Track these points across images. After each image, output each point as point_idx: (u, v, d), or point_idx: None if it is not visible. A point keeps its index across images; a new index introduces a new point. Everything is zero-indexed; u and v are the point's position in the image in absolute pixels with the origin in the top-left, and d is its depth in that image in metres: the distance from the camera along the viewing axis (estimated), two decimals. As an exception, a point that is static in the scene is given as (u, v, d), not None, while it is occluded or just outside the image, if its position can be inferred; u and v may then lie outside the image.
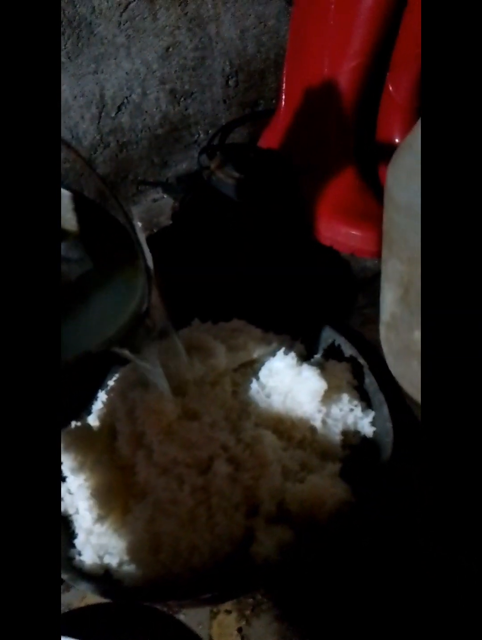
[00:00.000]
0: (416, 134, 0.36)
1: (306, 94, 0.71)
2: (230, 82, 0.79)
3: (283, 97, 0.76)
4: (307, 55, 0.69)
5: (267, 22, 0.77)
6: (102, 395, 0.56)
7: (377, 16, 0.59)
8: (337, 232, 0.66)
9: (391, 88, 0.66)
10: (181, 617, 0.45)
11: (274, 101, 0.82)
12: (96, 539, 0.44)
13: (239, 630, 0.44)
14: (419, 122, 0.37)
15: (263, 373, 0.50)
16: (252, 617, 0.44)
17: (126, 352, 0.33)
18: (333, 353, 0.55)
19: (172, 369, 0.46)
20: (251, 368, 0.53)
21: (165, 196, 0.79)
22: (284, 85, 0.75)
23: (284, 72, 0.74)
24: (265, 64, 0.81)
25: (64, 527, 0.46)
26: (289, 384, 0.48)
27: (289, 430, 0.47)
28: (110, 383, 0.56)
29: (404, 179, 0.36)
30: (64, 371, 0.28)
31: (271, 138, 0.78)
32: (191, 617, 0.45)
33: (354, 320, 0.60)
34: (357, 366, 0.52)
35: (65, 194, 0.37)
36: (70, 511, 0.47)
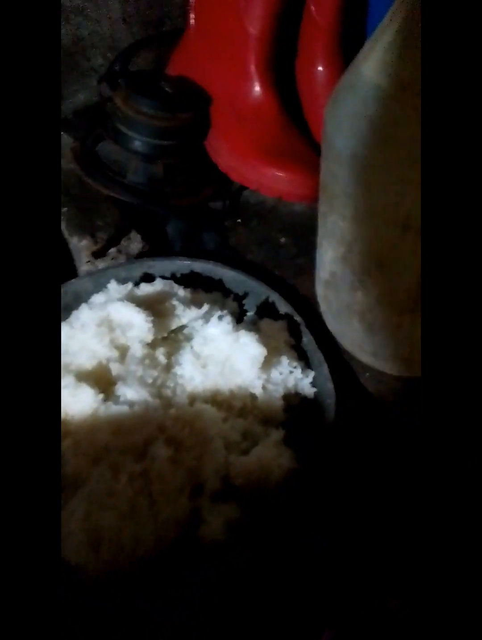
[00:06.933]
0: (358, 72, 0.32)
1: (219, 11, 0.62)
2: (130, -4, 0.68)
3: (192, 15, 0.66)
4: (218, -35, 0.60)
5: None
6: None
7: None
8: (263, 174, 0.60)
9: (313, 9, 0.59)
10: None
11: (181, 19, 0.72)
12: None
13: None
14: (360, 56, 0.32)
15: (197, 341, 0.46)
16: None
17: None
18: (267, 310, 0.52)
19: None
20: (182, 334, 0.48)
21: (62, 134, 0.68)
22: (192, 0, 0.66)
23: (192, -16, 0.65)
24: (169, -27, 0.70)
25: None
26: (227, 352, 0.44)
27: (228, 400, 0.44)
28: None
29: (346, 126, 0.32)
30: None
31: (181, 64, 0.69)
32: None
33: (286, 272, 0.57)
34: (293, 323, 0.50)
35: None
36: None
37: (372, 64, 0.30)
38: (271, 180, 0.60)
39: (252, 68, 0.62)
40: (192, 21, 0.67)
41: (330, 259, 0.40)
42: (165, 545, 0.39)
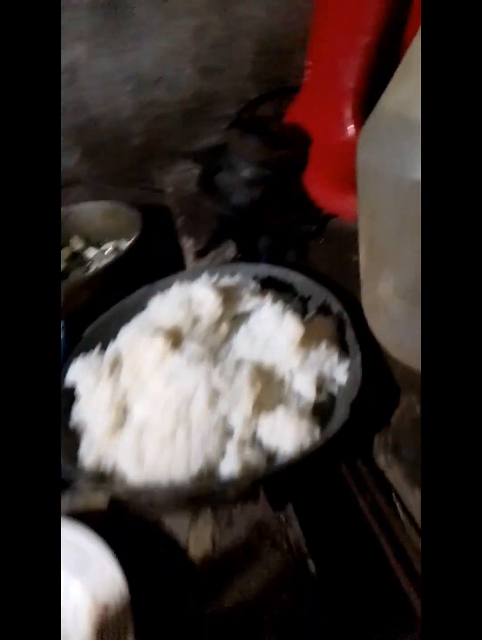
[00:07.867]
0: (381, 106, 0.40)
1: (326, 70, 0.75)
2: (259, 60, 0.83)
3: (307, 73, 0.79)
4: (328, 33, 0.73)
5: (295, 1, 0.81)
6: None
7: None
8: (345, 201, 0.69)
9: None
10: (165, 522, 0.52)
11: (299, 78, 0.86)
12: (97, 447, 0.52)
13: (213, 537, 0.50)
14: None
15: (252, 320, 0.55)
16: (225, 528, 0.51)
17: None
18: (324, 309, 0.60)
19: None
20: (245, 316, 0.58)
21: (194, 166, 0.85)
22: (308, 61, 0.79)
23: (308, 49, 0.78)
24: (293, 42, 0.84)
25: (74, 437, 0.54)
26: (272, 330, 0.53)
27: (267, 372, 0.52)
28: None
29: (362, 140, 0.41)
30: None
31: (296, 113, 0.82)
32: (174, 523, 0.52)
33: (351, 284, 0.64)
34: (342, 321, 0.57)
35: None
36: (80, 425, 0.55)
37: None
38: (352, 206, 0.69)
39: (348, 112, 0.72)
40: (306, 79, 0.80)
41: (362, 256, 0.48)
42: (194, 473, 0.48)
